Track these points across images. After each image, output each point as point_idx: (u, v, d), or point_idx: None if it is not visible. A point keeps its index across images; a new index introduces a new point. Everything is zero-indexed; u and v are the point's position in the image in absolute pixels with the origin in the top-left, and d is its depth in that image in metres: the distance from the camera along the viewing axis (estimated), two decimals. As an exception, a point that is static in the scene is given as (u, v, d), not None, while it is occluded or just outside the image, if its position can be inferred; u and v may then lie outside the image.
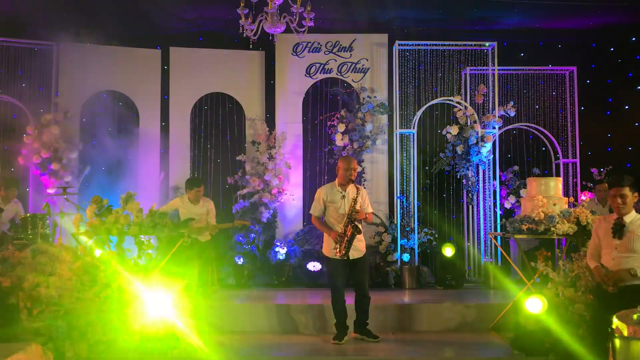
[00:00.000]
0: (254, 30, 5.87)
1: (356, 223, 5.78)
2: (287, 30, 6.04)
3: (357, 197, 5.78)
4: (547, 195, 6.02)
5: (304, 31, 5.85)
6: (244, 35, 5.90)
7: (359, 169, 8.64)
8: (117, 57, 8.82)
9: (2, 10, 7.94)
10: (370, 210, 5.96)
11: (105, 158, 8.73)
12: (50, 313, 4.99)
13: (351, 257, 5.81)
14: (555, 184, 6.14)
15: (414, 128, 8.55)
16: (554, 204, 5.84)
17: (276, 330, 6.39)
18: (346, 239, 5.74)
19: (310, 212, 6.00)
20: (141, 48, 9.04)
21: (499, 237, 7.85)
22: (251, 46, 5.97)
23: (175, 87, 9.00)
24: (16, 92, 8.52)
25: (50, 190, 8.18)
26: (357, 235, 5.80)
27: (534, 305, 5.38)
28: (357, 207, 5.75)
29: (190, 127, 9.06)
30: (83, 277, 5.42)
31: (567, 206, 6.18)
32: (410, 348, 5.82)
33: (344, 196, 5.82)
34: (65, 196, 7.51)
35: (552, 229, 5.70)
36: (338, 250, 5.75)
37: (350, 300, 5.97)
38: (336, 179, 5.92)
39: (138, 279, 5.73)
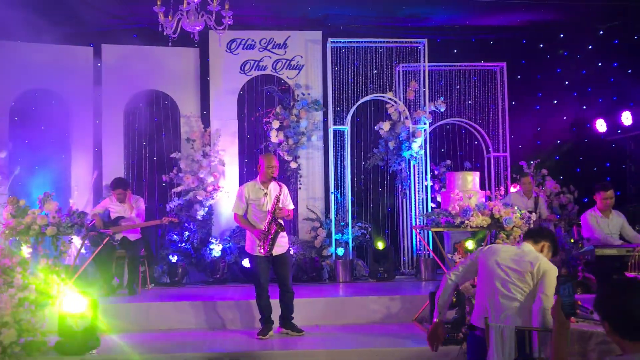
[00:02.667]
0: (174, 29, 5.87)
1: (279, 220, 5.86)
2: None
3: (279, 194, 5.86)
4: (464, 189, 6.20)
5: (224, 29, 5.88)
6: (164, 33, 5.90)
7: (295, 165, 8.73)
8: (48, 54, 8.61)
9: None
10: (291, 207, 6.06)
11: (38, 157, 8.57)
12: (-39, 317, 4.92)
13: (274, 253, 5.89)
14: (472, 178, 6.34)
15: (347, 124, 8.66)
16: (469, 198, 6.03)
17: (203, 327, 6.44)
18: (270, 236, 5.82)
19: (233, 210, 6.06)
20: (73, 45, 8.88)
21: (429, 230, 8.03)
22: (170, 44, 5.97)
23: (108, 84, 8.86)
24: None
25: (-22, 192, 8.01)
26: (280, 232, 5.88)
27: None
28: (280, 204, 5.84)
29: (123, 125, 8.96)
30: (-2, 279, 5.36)
31: (484, 199, 6.38)
32: (334, 340, 5.95)
33: (266, 194, 5.89)
34: (-9, 197, 7.38)
35: (467, 221, 5.89)
36: (262, 247, 5.82)
37: (275, 295, 6.06)
38: (258, 177, 5.98)
39: (58, 280, 5.71)
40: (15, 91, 8.65)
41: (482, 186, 8.88)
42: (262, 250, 5.82)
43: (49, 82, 8.77)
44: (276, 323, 6.08)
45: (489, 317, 3.68)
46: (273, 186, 5.91)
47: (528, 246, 3.73)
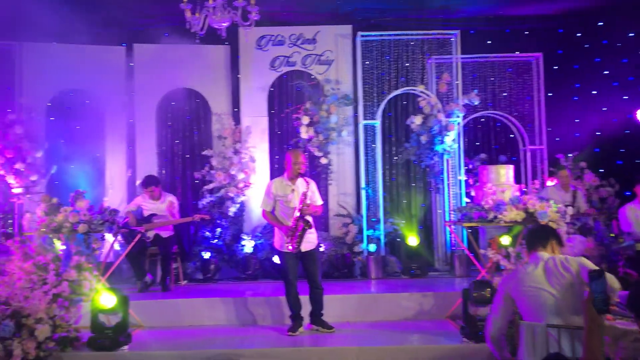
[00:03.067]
0: (201, 25, 5.88)
1: (306, 217, 5.81)
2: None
3: (307, 191, 5.81)
4: (497, 183, 6.04)
5: (251, 25, 5.86)
6: (191, 30, 5.91)
7: (325, 160, 8.67)
8: (81, 55, 8.76)
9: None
10: (320, 202, 6.00)
11: (73, 156, 8.75)
12: (-1, 312, 5.04)
13: (302, 250, 5.85)
14: (506, 172, 6.18)
15: (378, 119, 8.56)
16: (503, 192, 5.87)
17: (234, 323, 6.46)
18: (298, 233, 5.78)
19: (261, 206, 6.04)
20: (105, 45, 9.00)
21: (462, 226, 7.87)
22: (198, 41, 5.98)
23: (141, 83, 8.97)
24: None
25: (16, 190, 8.20)
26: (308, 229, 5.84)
27: (480, 292, 5.42)
28: (308, 201, 5.79)
29: (156, 123, 9.06)
30: (33, 275, 5.47)
31: (518, 193, 6.20)
32: (365, 337, 5.87)
33: (293, 190, 5.86)
34: (28, 195, 7.54)
35: (500, 216, 5.73)
36: (290, 244, 5.79)
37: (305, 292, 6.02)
38: (285, 173, 5.95)
39: (91, 276, 5.79)
40: (50, 91, 8.83)
41: (519, 180, 8.67)
42: (290, 247, 5.79)
43: (83, 82, 8.90)
44: (306, 319, 6.05)
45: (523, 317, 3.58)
46: (300, 182, 5.87)
47: (544, 255, 3.63)
